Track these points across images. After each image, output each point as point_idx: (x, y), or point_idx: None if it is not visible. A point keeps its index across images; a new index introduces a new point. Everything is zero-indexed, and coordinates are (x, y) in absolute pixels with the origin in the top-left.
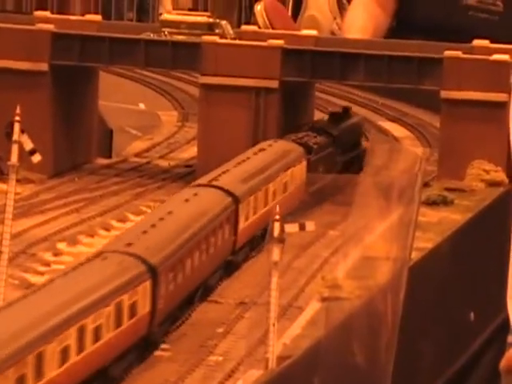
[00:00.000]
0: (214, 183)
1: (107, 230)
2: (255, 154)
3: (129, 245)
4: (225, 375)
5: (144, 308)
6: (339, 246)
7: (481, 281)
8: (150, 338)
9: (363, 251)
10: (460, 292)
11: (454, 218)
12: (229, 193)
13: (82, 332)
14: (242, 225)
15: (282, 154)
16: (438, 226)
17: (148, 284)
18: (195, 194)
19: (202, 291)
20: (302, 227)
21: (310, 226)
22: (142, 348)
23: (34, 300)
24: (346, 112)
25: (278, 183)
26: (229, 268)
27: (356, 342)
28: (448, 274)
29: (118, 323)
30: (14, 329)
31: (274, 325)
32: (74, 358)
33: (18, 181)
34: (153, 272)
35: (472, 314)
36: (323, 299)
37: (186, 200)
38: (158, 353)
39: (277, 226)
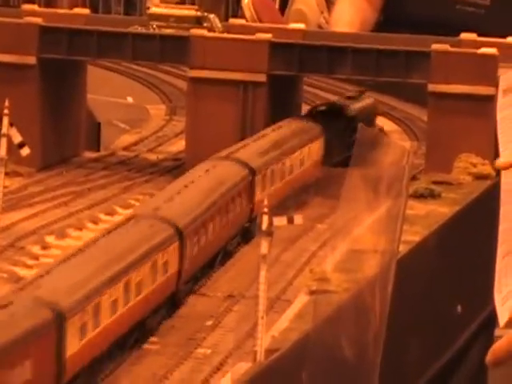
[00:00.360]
0: (232, 156)
1: (95, 223)
2: (273, 130)
3: (157, 209)
4: (213, 368)
5: (173, 267)
6: (327, 240)
7: (468, 274)
8: (176, 296)
9: (351, 244)
10: (447, 285)
11: (441, 211)
12: (246, 165)
13: (127, 286)
14: (258, 195)
15: (300, 132)
16: (425, 219)
17: (176, 245)
18: (214, 166)
19: (222, 255)
20: (291, 220)
21: (298, 219)
22: (171, 304)
23: (86, 257)
24: (360, 94)
25: (295, 158)
26: (246, 235)
27: (344, 335)
28: (435, 267)
29: (154, 280)
30: (75, 282)
31: (262, 318)
32: (121, 309)
33: (6, 174)
34: (180, 235)
35: (459, 307)
36: (311, 292)
37: (207, 171)
38: (146, 346)
39: (265, 219)
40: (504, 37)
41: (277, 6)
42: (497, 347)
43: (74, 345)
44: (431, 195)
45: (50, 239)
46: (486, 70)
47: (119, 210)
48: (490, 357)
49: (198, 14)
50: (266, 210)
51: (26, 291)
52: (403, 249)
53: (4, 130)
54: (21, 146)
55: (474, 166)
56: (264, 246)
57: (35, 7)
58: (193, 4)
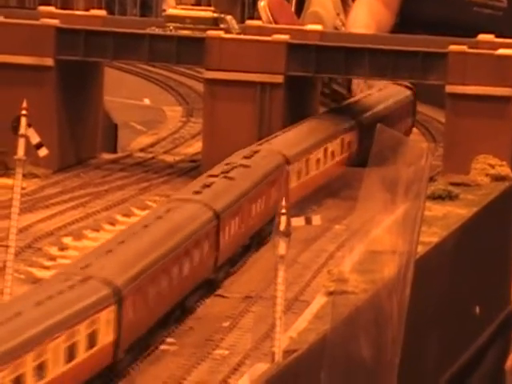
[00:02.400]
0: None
1: (112, 224)
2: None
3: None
4: (231, 369)
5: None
6: (345, 240)
7: (486, 275)
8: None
9: (369, 245)
10: (465, 286)
11: (459, 212)
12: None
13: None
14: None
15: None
16: (443, 221)
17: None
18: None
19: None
20: (309, 221)
21: (316, 220)
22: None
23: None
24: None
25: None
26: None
27: (362, 336)
28: (453, 268)
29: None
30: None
31: (280, 318)
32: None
33: (23, 176)
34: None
35: (477, 308)
36: (329, 293)
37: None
38: (163, 347)
39: (283, 219)
40: None
41: (293, 9)
42: None
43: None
44: (449, 196)
45: (67, 240)
46: (504, 71)
47: (136, 211)
48: (510, 363)
49: (215, 15)
50: (283, 210)
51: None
52: (421, 250)
53: (22, 131)
54: (38, 146)
55: (492, 167)
56: (282, 246)
57: (52, 9)
58: (209, 5)
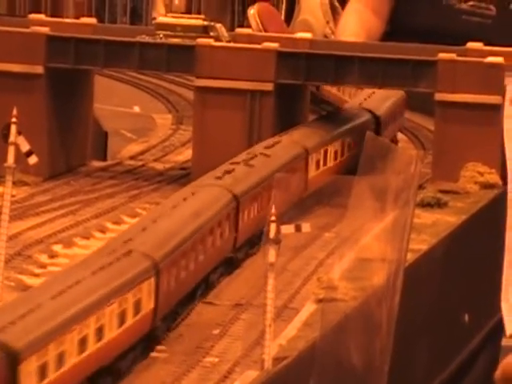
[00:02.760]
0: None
1: (103, 232)
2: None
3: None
4: (221, 376)
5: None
6: (335, 248)
7: (475, 282)
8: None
9: (359, 253)
10: (455, 293)
11: (448, 219)
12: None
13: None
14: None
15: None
16: (432, 228)
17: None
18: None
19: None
20: (298, 228)
21: (306, 227)
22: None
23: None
24: None
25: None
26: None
27: (352, 343)
28: (443, 276)
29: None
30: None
31: (269, 326)
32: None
33: (13, 183)
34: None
35: (466, 316)
36: (319, 301)
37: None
38: (154, 354)
39: (273, 226)
40: (510, 46)
41: (282, 17)
42: (505, 364)
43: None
44: (438, 204)
45: (58, 248)
46: (493, 79)
47: (126, 218)
48: (498, 373)
49: (205, 23)
50: (273, 218)
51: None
52: (410, 257)
53: (12, 139)
54: (28, 154)
55: (481, 174)
56: (271, 254)
57: (42, 17)
58: (199, 14)
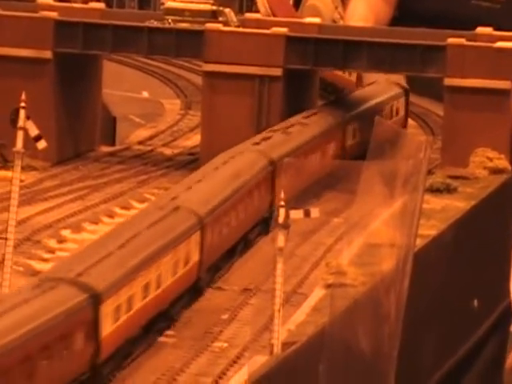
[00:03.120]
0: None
1: (111, 217)
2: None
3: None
4: (229, 361)
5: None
6: (343, 233)
7: (484, 267)
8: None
9: (368, 238)
10: (464, 279)
11: (457, 205)
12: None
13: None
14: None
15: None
16: (441, 214)
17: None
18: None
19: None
20: (307, 213)
21: (315, 212)
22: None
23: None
24: None
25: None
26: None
27: (360, 328)
28: (452, 261)
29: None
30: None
31: (278, 311)
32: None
33: (22, 168)
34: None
35: (475, 301)
36: (328, 286)
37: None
38: (162, 339)
39: (282, 211)
40: None
41: (291, 2)
42: None
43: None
44: (447, 189)
45: (66, 233)
46: (502, 64)
47: (135, 203)
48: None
49: (214, 8)
50: (282, 203)
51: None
52: (420, 243)
53: (21, 124)
54: (37, 139)
55: (490, 160)
56: (280, 239)
57: (50, 1)
58: None
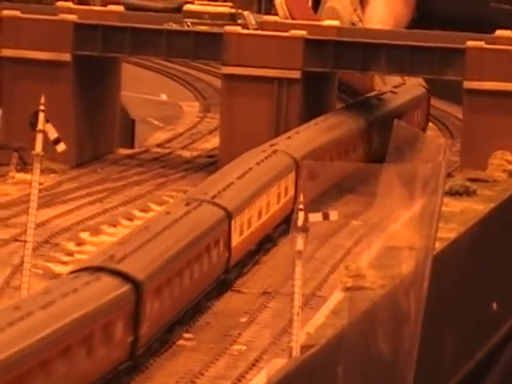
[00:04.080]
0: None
1: (130, 219)
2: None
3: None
4: (248, 364)
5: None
6: (362, 236)
7: (504, 270)
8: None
9: (387, 241)
10: (483, 282)
11: (476, 208)
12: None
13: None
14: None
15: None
16: (460, 216)
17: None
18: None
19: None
20: (326, 216)
21: (334, 215)
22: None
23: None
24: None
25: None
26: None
27: (379, 331)
28: (471, 264)
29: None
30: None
31: (297, 314)
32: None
33: (41, 171)
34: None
35: (495, 304)
36: (347, 289)
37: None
38: (181, 342)
39: (301, 215)
40: None
41: (309, 4)
42: None
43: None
44: (466, 192)
45: (85, 235)
46: None
47: (154, 206)
48: None
49: (233, 10)
50: (301, 206)
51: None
52: (439, 246)
53: (40, 126)
54: (56, 142)
55: (509, 163)
56: (299, 242)
57: (70, 4)
58: (226, 1)
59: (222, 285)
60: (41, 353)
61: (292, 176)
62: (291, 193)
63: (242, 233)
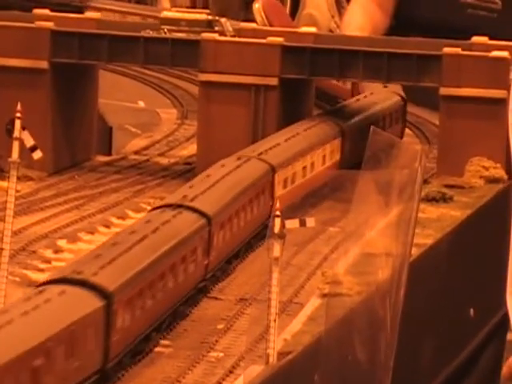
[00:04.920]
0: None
1: (107, 226)
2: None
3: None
4: (225, 371)
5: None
6: (339, 243)
7: (480, 277)
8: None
9: (363, 247)
10: (460, 288)
11: (453, 214)
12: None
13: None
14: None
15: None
16: (437, 223)
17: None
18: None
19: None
20: (303, 223)
21: (311, 222)
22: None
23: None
24: None
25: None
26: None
27: (356, 338)
28: (448, 270)
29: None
30: None
31: (274, 321)
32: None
33: (17, 178)
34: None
35: (472, 311)
36: (323, 295)
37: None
38: (158, 349)
39: (277, 221)
40: None
41: (287, 11)
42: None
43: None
44: (443, 199)
45: (62, 243)
46: (498, 73)
47: (131, 213)
48: (505, 371)
49: (210, 17)
50: (277, 212)
51: None
52: (415, 252)
53: (16, 134)
54: (33, 149)
55: (486, 169)
56: (276, 248)
57: (47, 12)
58: (204, 8)
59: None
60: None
61: (338, 142)
62: (336, 157)
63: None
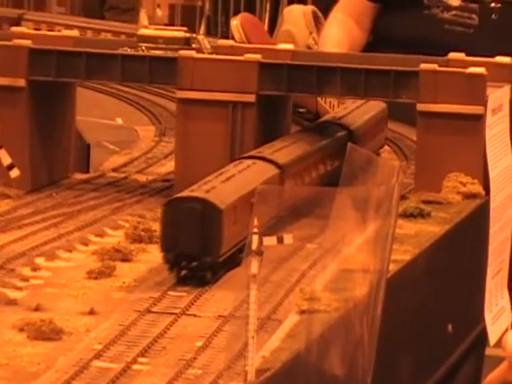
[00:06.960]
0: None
1: (85, 244)
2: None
3: None
4: None
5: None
6: (317, 259)
7: (458, 293)
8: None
9: (341, 264)
10: (438, 304)
11: (431, 230)
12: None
13: None
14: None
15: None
16: (415, 238)
17: None
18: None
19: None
20: (280, 240)
21: (288, 238)
22: None
23: None
24: None
25: None
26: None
27: (335, 355)
28: (426, 286)
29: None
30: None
31: (253, 337)
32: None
33: None
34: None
35: (450, 326)
36: (302, 312)
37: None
38: (136, 367)
39: (255, 238)
40: (492, 56)
41: (265, 28)
42: (489, 379)
43: None
44: (421, 214)
45: (40, 261)
46: (475, 90)
47: (109, 231)
48: None
49: (187, 35)
50: (255, 229)
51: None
52: (393, 268)
53: None
54: (10, 167)
55: (464, 185)
56: (254, 265)
57: (24, 29)
58: (182, 26)
59: None
60: None
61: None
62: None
63: None
